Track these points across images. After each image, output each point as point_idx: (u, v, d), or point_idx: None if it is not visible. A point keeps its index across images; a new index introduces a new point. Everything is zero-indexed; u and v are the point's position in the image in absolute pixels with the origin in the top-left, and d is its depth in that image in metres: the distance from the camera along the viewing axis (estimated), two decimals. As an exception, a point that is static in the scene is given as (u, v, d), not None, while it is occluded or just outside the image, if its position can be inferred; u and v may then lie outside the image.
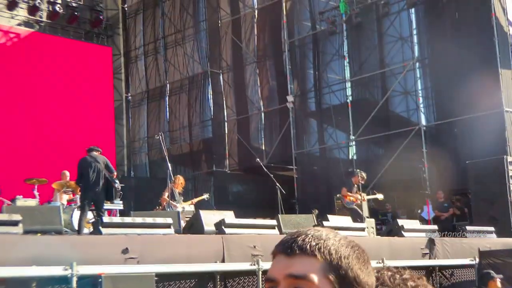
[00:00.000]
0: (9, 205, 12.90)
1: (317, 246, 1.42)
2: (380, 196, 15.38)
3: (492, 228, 13.49)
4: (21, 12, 23.66)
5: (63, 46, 24.01)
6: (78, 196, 14.14)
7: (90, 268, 7.05)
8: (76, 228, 12.11)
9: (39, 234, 7.97)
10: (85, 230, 12.03)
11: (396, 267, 1.84)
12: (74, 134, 22.09)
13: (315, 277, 1.39)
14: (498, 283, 8.83)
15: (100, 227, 8.32)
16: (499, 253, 11.40)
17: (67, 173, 14.74)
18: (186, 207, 13.70)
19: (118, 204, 13.92)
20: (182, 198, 13.93)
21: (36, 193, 14.43)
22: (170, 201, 13.41)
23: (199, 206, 13.96)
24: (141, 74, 27.10)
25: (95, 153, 11.71)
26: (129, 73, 27.54)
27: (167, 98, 26.08)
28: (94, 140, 21.43)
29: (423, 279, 1.80)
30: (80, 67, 23.98)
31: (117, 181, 11.92)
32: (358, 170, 15.40)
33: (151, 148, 25.85)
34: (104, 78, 25.31)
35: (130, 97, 27.44)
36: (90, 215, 13.66)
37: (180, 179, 14.00)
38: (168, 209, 13.18)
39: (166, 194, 13.60)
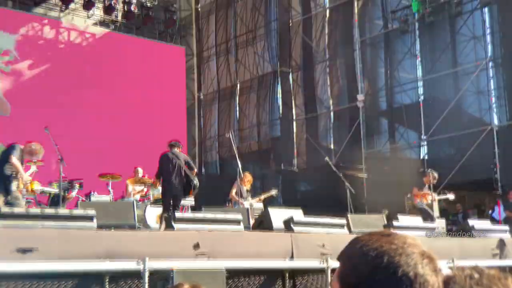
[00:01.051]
0: (83, 201, 13.41)
1: None
2: (451, 196, 15.15)
3: None
4: (97, 12, 24.42)
5: (137, 46, 24.61)
6: (151, 193, 14.54)
7: (162, 263, 7.23)
8: (149, 223, 12.47)
9: (113, 229, 8.23)
10: (158, 225, 12.37)
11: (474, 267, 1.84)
12: (147, 132, 22.62)
13: None
14: None
15: (172, 222, 8.53)
16: None
17: (140, 170, 15.17)
18: (254, 204, 13.86)
19: (189, 200, 14.20)
20: (250, 195, 14.08)
21: (110, 189, 14.92)
22: (237, 197, 13.59)
23: (268, 203, 14.09)
24: (213, 74, 27.50)
25: (176, 150, 12.08)
26: (201, 73, 28.00)
27: (237, 98, 26.38)
28: (167, 138, 21.94)
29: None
30: (154, 66, 24.53)
31: (196, 179, 12.22)
32: (429, 170, 15.21)
33: (222, 146, 26.20)
34: (177, 78, 25.82)
35: (202, 97, 27.87)
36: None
37: (248, 176, 14.15)
38: (236, 206, 13.38)
39: (234, 191, 13.80)
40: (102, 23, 24.58)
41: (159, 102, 24.05)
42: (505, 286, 1.74)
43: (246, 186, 13.98)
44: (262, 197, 14.57)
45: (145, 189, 14.96)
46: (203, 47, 27.98)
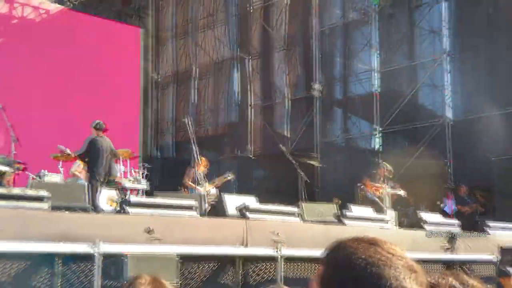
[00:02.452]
0: (34, 180, 13.15)
1: None
2: (402, 193, 15.31)
3: (514, 225, 13.43)
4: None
5: (92, 25, 24.15)
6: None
7: (114, 246, 7.17)
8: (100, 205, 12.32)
9: (66, 211, 8.11)
10: (109, 208, 12.23)
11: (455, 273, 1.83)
12: (100, 113, 22.25)
13: None
14: None
15: (126, 206, 8.45)
16: (520, 250, 11.37)
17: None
18: (210, 190, 13.80)
19: (143, 184, 14.07)
20: (206, 180, 13.98)
21: (60, 168, 14.67)
22: (192, 184, 13.49)
23: (223, 189, 14.06)
24: (171, 56, 27.24)
25: (102, 134, 11.96)
26: (158, 55, 27.70)
27: (195, 81, 26.19)
28: (121, 119, 21.68)
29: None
30: (109, 46, 24.13)
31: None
32: (384, 162, 15.38)
33: (178, 130, 26.03)
34: (132, 59, 25.48)
35: (158, 79, 27.60)
36: (114, 194, 13.87)
37: (204, 161, 14.05)
38: (191, 192, 13.29)
39: (187, 178, 13.69)
40: (58, 0, 24.08)
41: (113, 83, 23.68)
42: None
43: (201, 170, 13.87)
44: (218, 182, 14.46)
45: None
46: (161, 28, 27.67)
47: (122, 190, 13.61)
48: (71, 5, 24.38)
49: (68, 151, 12.36)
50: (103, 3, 25.19)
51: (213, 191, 13.87)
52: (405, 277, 1.46)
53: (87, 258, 6.96)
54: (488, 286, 1.74)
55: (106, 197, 13.61)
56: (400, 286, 1.44)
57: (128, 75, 24.99)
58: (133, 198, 9.39)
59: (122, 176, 14.03)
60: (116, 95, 23.54)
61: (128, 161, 15.62)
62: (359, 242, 1.53)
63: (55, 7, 23.76)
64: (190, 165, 13.95)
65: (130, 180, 14.08)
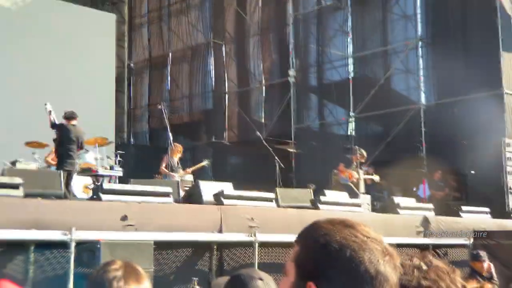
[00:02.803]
0: (8, 167, 13.02)
1: None
2: (376, 178, 15.44)
3: (487, 209, 13.62)
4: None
5: (67, 11, 23.87)
6: (77, 161, 14.21)
7: (89, 233, 7.14)
8: (75, 193, 12.26)
9: (40, 198, 8.05)
10: (84, 195, 12.16)
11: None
12: (75, 99, 22.06)
13: None
14: (485, 265, 8.99)
15: (100, 193, 8.40)
16: (493, 234, 11.53)
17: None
18: (186, 176, 13.78)
19: (117, 171, 14.00)
20: (181, 167, 13.95)
21: (36, 156, 14.54)
22: (167, 171, 13.44)
23: (198, 176, 14.05)
24: (145, 42, 27.06)
25: (74, 122, 11.90)
26: (132, 41, 27.49)
27: (169, 67, 26.07)
28: (94, 105, 21.51)
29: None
30: (83, 33, 23.86)
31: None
32: (357, 147, 15.48)
33: (152, 116, 25.92)
34: (107, 45, 25.21)
35: (132, 65, 27.41)
36: (89, 180, 13.80)
37: (178, 147, 14.00)
38: (166, 179, 13.26)
39: (164, 165, 13.65)
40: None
41: (88, 70, 23.46)
42: (453, 281, 1.76)
43: (176, 157, 13.82)
44: (193, 168, 14.44)
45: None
46: (135, 14, 27.45)
47: (97, 177, 13.55)
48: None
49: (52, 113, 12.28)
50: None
51: (189, 177, 13.85)
52: (379, 260, 1.48)
53: (61, 245, 6.92)
54: (461, 269, 1.75)
55: (82, 184, 13.54)
56: (375, 269, 1.47)
57: (103, 62, 24.72)
58: (107, 185, 9.33)
59: (97, 163, 13.93)
60: (90, 81, 23.30)
61: (104, 148, 15.54)
62: (334, 223, 1.54)
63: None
64: (165, 154, 13.91)
65: (104, 167, 14.01)
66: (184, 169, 13.99)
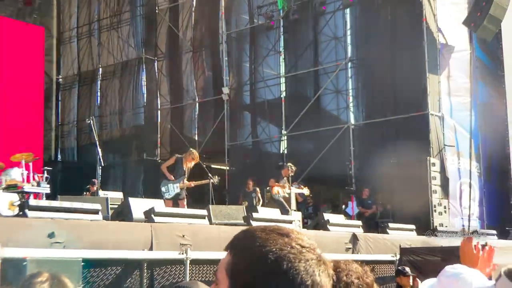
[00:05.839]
0: None
1: None
2: (306, 191, 15.67)
3: (413, 226, 13.99)
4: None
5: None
6: (3, 178, 13.80)
7: (15, 250, 6.93)
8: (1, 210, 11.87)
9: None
10: (10, 212, 11.78)
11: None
12: (2, 114, 21.47)
13: None
14: (410, 280, 9.18)
15: (27, 210, 8.17)
16: (419, 250, 11.83)
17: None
18: (116, 194, 13.49)
19: (44, 188, 13.64)
20: (186, 177, 13.33)
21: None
22: (167, 172, 12.88)
23: (129, 194, 13.83)
24: (74, 57, 26.57)
25: None
26: (61, 55, 26.96)
27: (99, 82, 25.66)
28: (22, 121, 20.97)
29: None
30: (10, 46, 23.27)
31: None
32: (288, 163, 15.68)
33: (81, 132, 25.41)
34: (35, 59, 24.62)
35: (60, 80, 26.86)
36: (15, 197, 13.38)
37: (193, 154, 13.24)
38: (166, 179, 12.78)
39: (167, 163, 13.13)
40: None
41: (16, 85, 22.85)
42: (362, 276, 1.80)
43: (189, 164, 13.18)
44: (197, 183, 13.51)
45: None
46: (64, 28, 26.95)
47: (23, 194, 13.16)
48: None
49: None
50: (5, 1, 24.26)
51: (117, 195, 13.52)
52: (314, 270, 1.49)
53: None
54: (388, 285, 1.82)
55: (7, 201, 13.11)
56: (311, 280, 1.48)
57: (31, 76, 24.14)
58: (33, 202, 9.08)
59: (24, 180, 13.54)
60: (19, 96, 22.71)
61: (31, 165, 15.12)
62: (268, 232, 1.53)
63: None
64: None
65: (31, 184, 13.63)
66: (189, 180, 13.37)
